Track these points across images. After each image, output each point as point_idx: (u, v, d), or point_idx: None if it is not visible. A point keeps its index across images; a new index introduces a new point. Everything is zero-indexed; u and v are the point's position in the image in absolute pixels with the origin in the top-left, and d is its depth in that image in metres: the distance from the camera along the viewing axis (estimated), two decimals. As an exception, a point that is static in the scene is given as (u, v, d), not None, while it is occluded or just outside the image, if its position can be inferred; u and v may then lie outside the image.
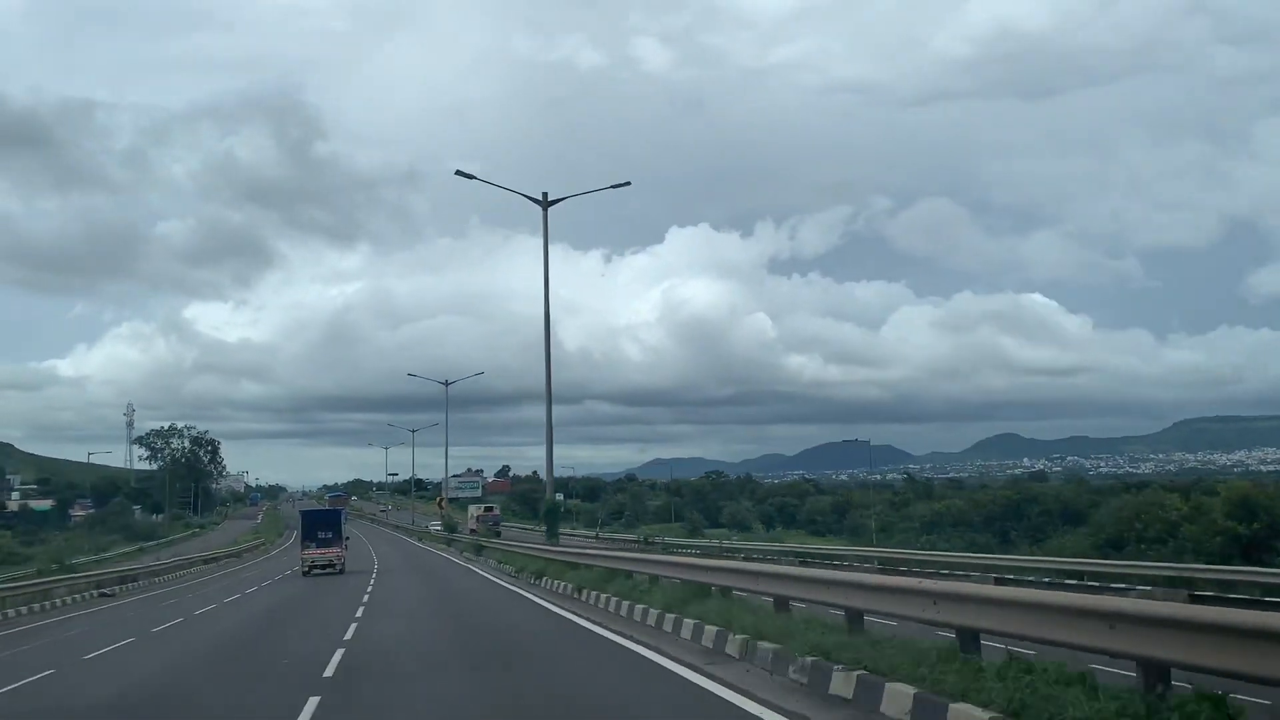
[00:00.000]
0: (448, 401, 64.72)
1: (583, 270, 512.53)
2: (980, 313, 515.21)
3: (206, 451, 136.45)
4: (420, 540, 73.21)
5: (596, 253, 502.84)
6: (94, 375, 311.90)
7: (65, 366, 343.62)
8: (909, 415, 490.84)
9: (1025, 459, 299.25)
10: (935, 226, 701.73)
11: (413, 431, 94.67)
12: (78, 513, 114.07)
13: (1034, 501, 78.56)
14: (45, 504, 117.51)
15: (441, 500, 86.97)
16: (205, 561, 51.92)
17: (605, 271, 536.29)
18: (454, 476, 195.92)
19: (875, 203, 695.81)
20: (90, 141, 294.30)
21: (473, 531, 70.87)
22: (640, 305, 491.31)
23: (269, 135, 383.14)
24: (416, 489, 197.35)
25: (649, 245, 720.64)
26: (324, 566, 36.90)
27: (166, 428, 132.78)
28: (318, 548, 37.42)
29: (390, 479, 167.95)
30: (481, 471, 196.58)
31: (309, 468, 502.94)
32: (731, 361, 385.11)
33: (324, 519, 40.58)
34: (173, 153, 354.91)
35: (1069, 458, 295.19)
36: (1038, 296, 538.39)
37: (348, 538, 40.60)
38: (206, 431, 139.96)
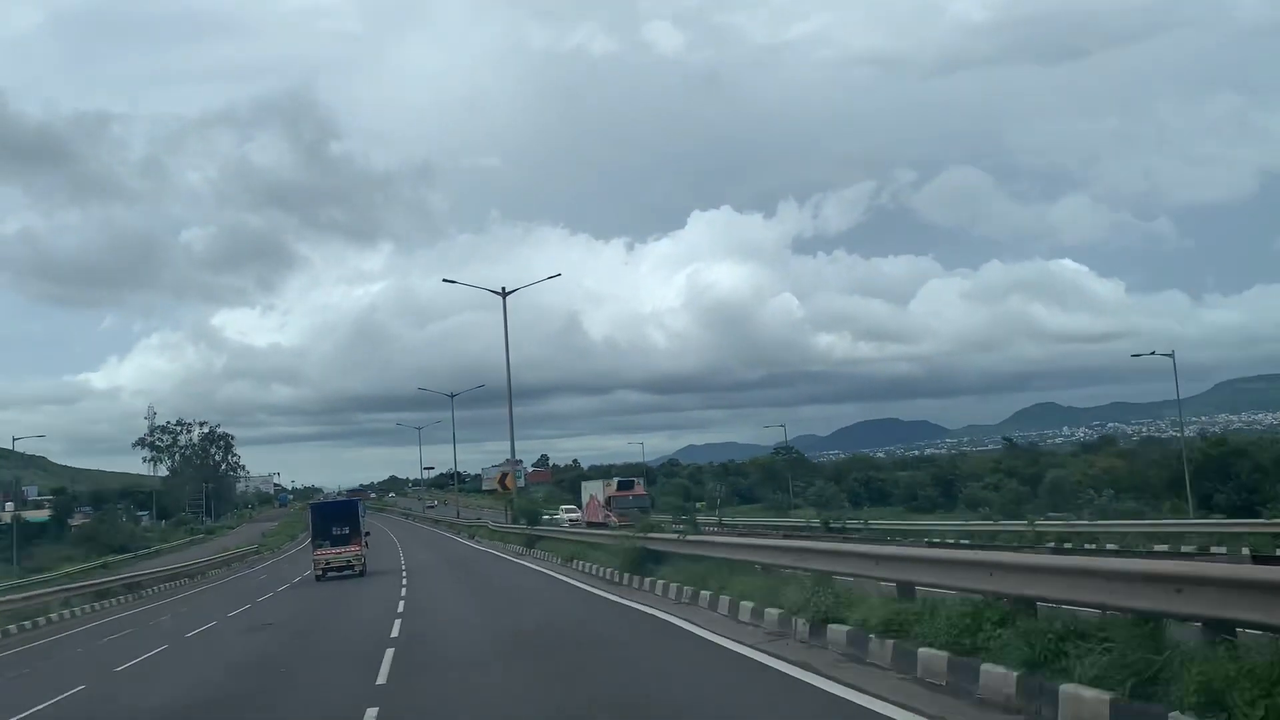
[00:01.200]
0: (506, 313, 42.95)
1: (606, 259, 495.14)
2: (1010, 282, 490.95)
3: (219, 448, 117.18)
4: (474, 539, 51.71)
5: (619, 241, 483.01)
6: (126, 386, 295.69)
7: (98, 379, 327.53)
8: (943, 389, 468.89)
9: (1064, 427, 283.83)
10: (961, 196, 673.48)
11: (451, 396, 76.35)
12: (77, 522, 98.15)
13: (1243, 455, 58.72)
14: (42, 514, 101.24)
15: (507, 479, 55.03)
16: (99, 595, 30.62)
17: (628, 259, 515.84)
18: (493, 466, 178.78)
19: (899, 176, 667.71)
20: (107, 153, 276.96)
21: (593, 525, 45.17)
22: (665, 292, 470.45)
23: (285, 138, 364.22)
24: (453, 482, 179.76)
25: (671, 230, 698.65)
26: (341, 568, 31.05)
27: (175, 423, 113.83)
28: (333, 547, 31.58)
29: (426, 473, 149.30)
30: (521, 461, 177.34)
31: (345, 469, 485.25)
32: (759, 344, 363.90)
33: (338, 513, 33.45)
34: (190, 160, 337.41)
35: (1110, 424, 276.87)
36: (1068, 262, 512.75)
37: (368, 533, 33.72)
38: (219, 425, 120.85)
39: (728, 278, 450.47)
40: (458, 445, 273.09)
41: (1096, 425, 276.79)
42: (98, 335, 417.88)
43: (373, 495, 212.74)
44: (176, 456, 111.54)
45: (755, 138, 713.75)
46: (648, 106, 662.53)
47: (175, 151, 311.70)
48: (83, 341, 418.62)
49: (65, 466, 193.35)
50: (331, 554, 31.26)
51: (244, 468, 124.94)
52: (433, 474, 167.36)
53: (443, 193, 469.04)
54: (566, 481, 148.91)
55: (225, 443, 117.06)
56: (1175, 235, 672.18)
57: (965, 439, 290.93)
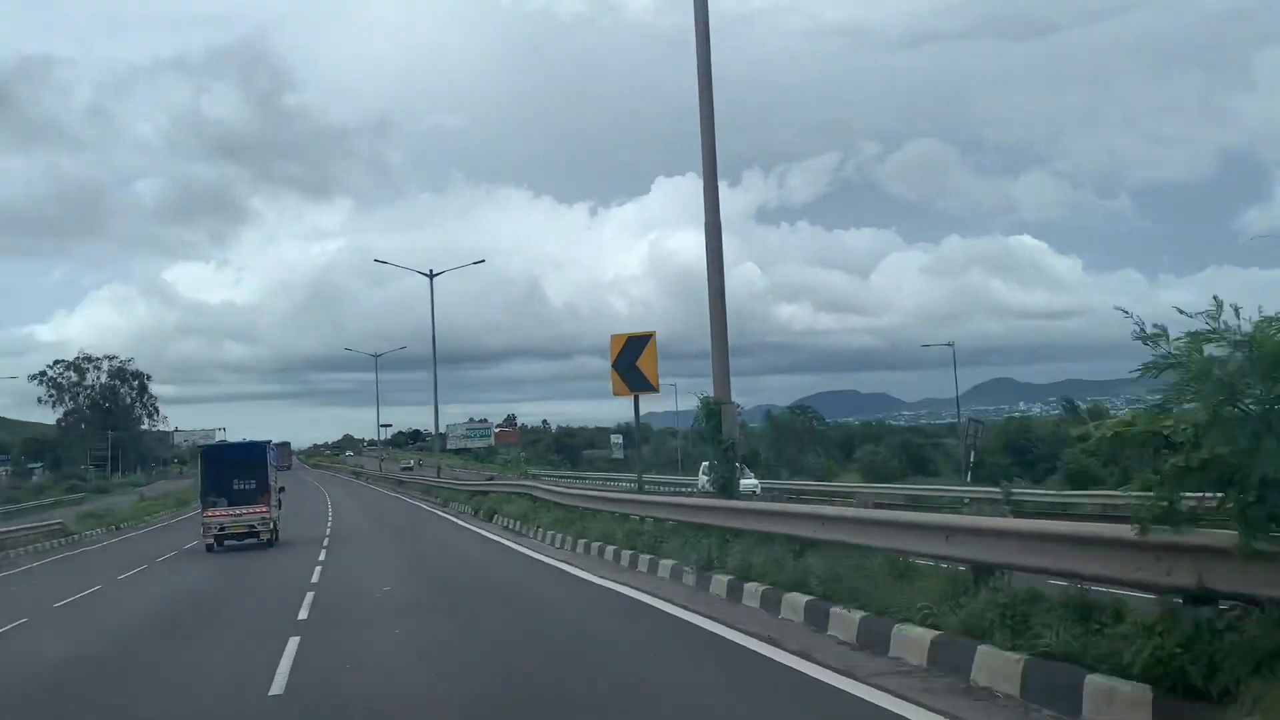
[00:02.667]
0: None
1: (569, 224, 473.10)
2: (969, 256, 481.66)
3: (131, 389, 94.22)
4: (491, 520, 25.92)
5: (582, 205, 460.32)
6: (75, 340, 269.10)
7: (46, 331, 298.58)
8: (901, 363, 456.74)
9: (1021, 403, 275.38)
10: (924, 170, 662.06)
11: (430, 275, 56.18)
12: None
13: None
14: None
15: (646, 353, 15.31)
16: None
17: (591, 224, 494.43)
18: (459, 424, 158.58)
19: (864, 148, 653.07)
20: (53, 99, 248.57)
21: None
22: (627, 258, 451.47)
23: (239, 89, 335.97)
24: (414, 441, 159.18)
25: (635, 196, 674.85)
26: (241, 535, 23.62)
27: (79, 358, 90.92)
28: (230, 506, 23.91)
29: (384, 430, 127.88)
30: (486, 421, 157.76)
31: (301, 428, 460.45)
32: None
33: (238, 459, 25.28)
34: (140, 109, 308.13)
35: (1064, 400, 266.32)
36: (1027, 238, 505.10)
37: (281, 488, 25.62)
38: (130, 360, 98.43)
39: (691, 245, 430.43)
40: (413, 407, 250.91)
41: (1053, 401, 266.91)
42: (46, 286, 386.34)
43: (327, 452, 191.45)
44: (80, 397, 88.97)
45: (723, 105, 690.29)
46: (615, 70, 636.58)
47: (124, 99, 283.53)
48: (30, 293, 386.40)
49: (4, 419, 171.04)
50: (228, 515, 24.30)
51: (160, 412, 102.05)
52: (390, 430, 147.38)
53: (402, 150, 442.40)
54: (543, 445, 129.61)
55: (140, 383, 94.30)
56: (1134, 214, 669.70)
57: (924, 411, 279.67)
